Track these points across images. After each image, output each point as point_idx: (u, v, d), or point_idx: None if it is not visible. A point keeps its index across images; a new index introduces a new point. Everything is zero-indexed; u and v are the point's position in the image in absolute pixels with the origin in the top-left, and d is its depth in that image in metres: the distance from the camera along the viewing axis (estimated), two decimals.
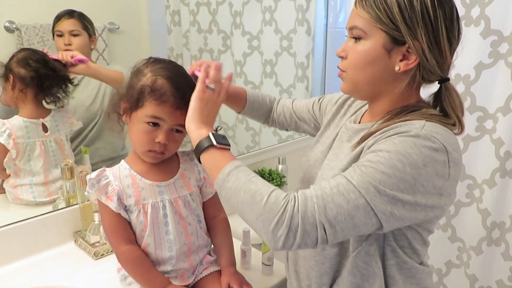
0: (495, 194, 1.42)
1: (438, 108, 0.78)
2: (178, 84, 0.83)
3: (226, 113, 1.91)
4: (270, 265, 1.08)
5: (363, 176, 0.65)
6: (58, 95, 1.21)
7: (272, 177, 1.55)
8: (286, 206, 0.64)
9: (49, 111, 1.22)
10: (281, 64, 1.82)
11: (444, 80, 0.75)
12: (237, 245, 1.03)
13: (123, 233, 0.87)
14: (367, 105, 0.86)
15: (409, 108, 0.75)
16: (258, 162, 1.67)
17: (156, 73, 0.84)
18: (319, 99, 1.05)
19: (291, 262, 0.93)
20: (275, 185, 0.96)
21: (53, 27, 1.27)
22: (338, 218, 0.63)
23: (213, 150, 0.74)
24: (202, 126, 0.77)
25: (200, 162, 0.77)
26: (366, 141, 0.74)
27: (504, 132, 1.36)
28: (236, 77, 1.86)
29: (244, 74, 1.85)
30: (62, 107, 1.24)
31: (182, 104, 0.82)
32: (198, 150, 0.75)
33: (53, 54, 1.20)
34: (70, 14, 1.28)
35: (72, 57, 1.21)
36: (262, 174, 1.56)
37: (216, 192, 0.97)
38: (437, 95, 0.77)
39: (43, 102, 1.20)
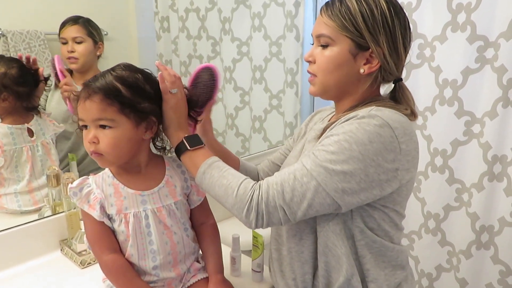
0: (483, 197, 1.42)
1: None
2: (92, 78, 0.81)
3: (216, 119, 1.91)
4: (260, 272, 1.07)
5: (314, 160, 0.74)
6: (38, 100, 1.21)
7: None
8: (252, 196, 0.75)
9: (32, 115, 1.21)
10: (270, 70, 1.83)
11: (398, 80, 0.85)
12: (226, 251, 1.02)
13: (107, 242, 0.85)
14: (332, 113, 0.95)
15: (367, 100, 0.83)
16: None
17: None
18: (291, 137, 1.10)
19: (276, 263, 0.94)
20: None
21: (59, 35, 1.24)
22: (294, 200, 0.74)
23: (189, 153, 0.84)
24: (178, 131, 0.86)
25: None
26: (326, 131, 0.81)
27: (492, 136, 1.37)
28: (226, 83, 1.86)
29: (234, 80, 1.85)
30: (43, 110, 1.24)
31: (87, 94, 0.78)
32: (178, 155, 0.86)
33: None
34: (75, 20, 1.25)
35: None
36: None
37: (204, 198, 0.96)
38: (392, 93, 0.87)
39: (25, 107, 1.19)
